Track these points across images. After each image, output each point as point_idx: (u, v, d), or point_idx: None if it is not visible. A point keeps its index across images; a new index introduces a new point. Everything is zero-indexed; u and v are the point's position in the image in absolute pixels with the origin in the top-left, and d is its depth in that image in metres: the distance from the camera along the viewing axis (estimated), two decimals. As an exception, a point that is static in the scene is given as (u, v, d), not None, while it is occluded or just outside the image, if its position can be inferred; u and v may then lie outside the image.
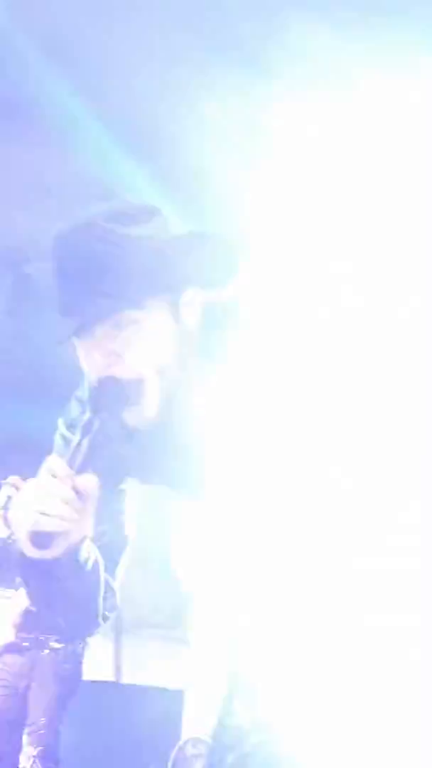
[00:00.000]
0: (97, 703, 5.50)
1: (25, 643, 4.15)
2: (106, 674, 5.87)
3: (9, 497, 4.42)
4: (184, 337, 1.48)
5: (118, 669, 5.94)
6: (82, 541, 1.36)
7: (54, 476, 1.29)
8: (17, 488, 4.42)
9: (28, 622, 4.16)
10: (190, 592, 5.74)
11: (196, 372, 1.50)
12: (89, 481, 1.30)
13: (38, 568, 1.35)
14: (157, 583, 6.06)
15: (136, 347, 1.42)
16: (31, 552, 1.29)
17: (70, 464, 1.31)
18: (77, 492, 1.29)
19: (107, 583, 1.50)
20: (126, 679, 5.89)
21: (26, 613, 4.15)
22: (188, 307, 1.48)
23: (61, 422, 1.60)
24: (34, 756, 3.90)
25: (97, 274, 1.39)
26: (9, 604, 4.28)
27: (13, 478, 4.45)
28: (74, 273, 1.41)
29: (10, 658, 4.15)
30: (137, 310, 1.41)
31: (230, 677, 1.43)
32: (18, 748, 4.02)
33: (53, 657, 4.10)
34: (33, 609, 4.06)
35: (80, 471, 1.30)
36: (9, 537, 4.32)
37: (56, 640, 4.12)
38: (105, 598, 1.50)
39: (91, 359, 1.44)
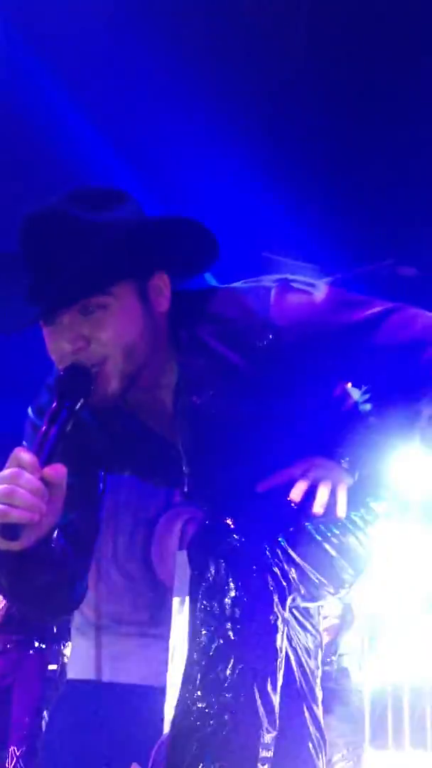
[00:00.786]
0: (78, 702, 5.49)
1: (8, 645, 4.13)
2: (87, 673, 5.86)
3: None
4: (153, 321, 1.49)
5: (98, 668, 5.92)
6: (51, 531, 1.36)
7: (21, 467, 1.28)
8: None
9: (11, 622, 4.14)
10: (169, 590, 5.77)
11: (164, 355, 1.51)
12: (57, 472, 1.30)
13: (7, 559, 1.34)
14: (136, 581, 6.06)
15: (104, 331, 1.42)
16: (0, 544, 1.29)
17: (38, 454, 1.30)
18: (45, 482, 1.28)
19: (78, 571, 1.52)
20: (106, 677, 5.88)
21: (9, 614, 4.14)
22: (156, 291, 1.49)
23: (30, 410, 1.60)
24: (18, 756, 3.89)
25: (62, 260, 1.39)
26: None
27: None
28: (40, 259, 1.41)
29: None
30: (104, 295, 1.42)
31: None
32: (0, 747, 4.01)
33: (38, 657, 4.09)
34: (12, 610, 4.06)
35: (48, 461, 1.30)
36: None
37: (39, 640, 4.11)
38: (76, 586, 1.52)
39: (58, 345, 1.44)
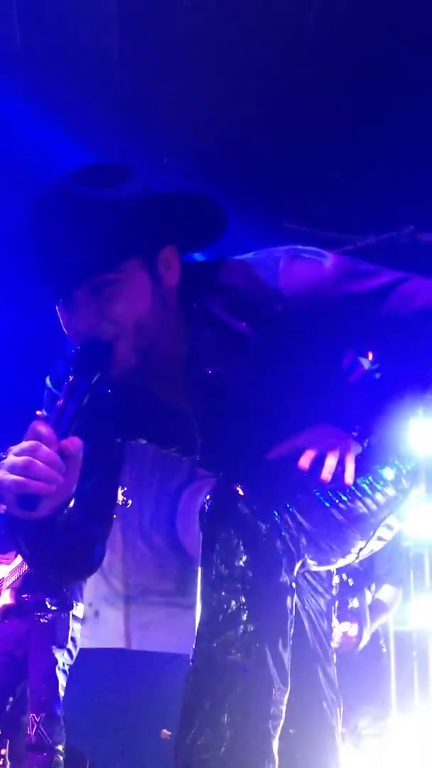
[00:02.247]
0: (107, 670, 5.59)
1: (23, 608, 4.19)
2: (116, 642, 5.95)
3: None
4: (163, 295, 1.51)
5: (127, 637, 6.02)
6: (68, 500, 1.39)
7: (39, 440, 1.31)
8: None
9: (27, 584, 4.22)
10: (194, 560, 5.82)
11: (175, 327, 1.53)
12: (74, 444, 1.34)
13: (27, 528, 1.39)
14: (162, 552, 6.13)
15: (115, 308, 1.44)
16: (20, 514, 1.33)
17: (55, 427, 1.34)
18: (62, 455, 1.32)
19: (96, 536, 1.56)
20: (135, 646, 5.97)
21: (24, 577, 4.21)
22: (165, 266, 1.51)
23: (48, 380, 1.64)
24: (37, 722, 3.97)
25: (71, 239, 1.41)
26: (7, 567, 4.34)
27: None
28: (50, 239, 1.43)
29: (8, 626, 4.22)
30: (114, 272, 1.44)
31: None
32: (17, 715, 4.11)
33: (50, 625, 4.17)
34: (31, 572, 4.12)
35: (65, 434, 1.34)
36: None
37: (51, 602, 4.18)
38: (94, 550, 1.57)
39: (72, 322, 1.47)
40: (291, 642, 1.48)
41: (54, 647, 4.12)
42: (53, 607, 4.18)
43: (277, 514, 1.48)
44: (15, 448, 1.31)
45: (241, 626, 1.43)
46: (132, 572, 6.09)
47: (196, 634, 1.49)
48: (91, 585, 4.59)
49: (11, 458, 1.30)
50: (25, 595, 4.21)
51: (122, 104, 4.15)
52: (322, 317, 1.50)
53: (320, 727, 1.69)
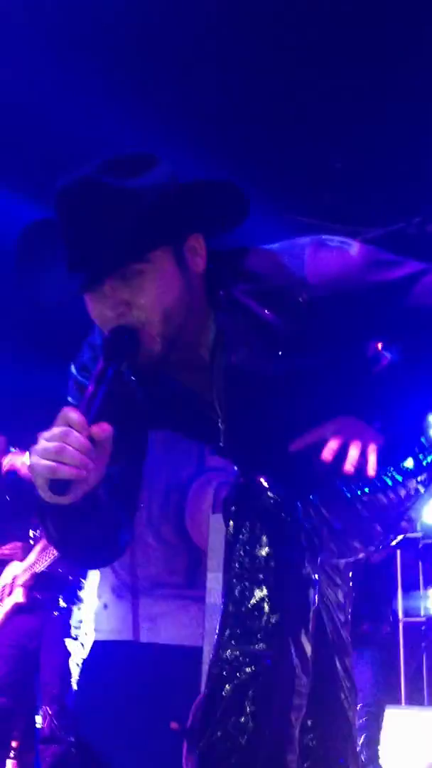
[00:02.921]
0: (117, 662, 5.60)
1: (35, 603, 4.22)
2: (125, 634, 5.96)
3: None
4: (190, 282, 1.51)
5: (135, 629, 6.03)
6: (97, 486, 1.41)
7: (70, 426, 1.32)
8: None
9: (38, 582, 4.24)
10: (203, 553, 5.83)
11: (202, 314, 1.54)
12: (104, 430, 1.35)
13: (56, 512, 1.40)
14: (171, 544, 6.14)
15: (144, 296, 1.45)
16: (50, 498, 1.35)
17: (86, 413, 1.35)
18: (92, 440, 1.34)
19: (122, 521, 1.58)
20: (144, 638, 5.98)
21: (36, 576, 4.23)
22: (192, 253, 1.51)
23: (73, 367, 1.65)
24: (50, 714, 4.00)
25: (98, 229, 1.42)
26: (20, 565, 4.36)
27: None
28: (77, 229, 1.44)
29: (20, 620, 4.24)
30: (142, 261, 1.44)
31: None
32: (30, 707, 4.13)
33: (61, 618, 4.19)
34: (45, 571, 4.16)
35: (95, 420, 1.35)
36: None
37: (63, 597, 4.21)
38: (120, 535, 1.58)
39: (101, 312, 1.48)
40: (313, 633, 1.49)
41: (67, 640, 4.14)
42: (64, 604, 4.21)
43: (300, 506, 1.48)
44: (46, 434, 1.32)
45: (265, 617, 1.43)
46: (140, 564, 6.10)
47: (219, 624, 1.49)
48: (100, 577, 4.60)
49: (43, 443, 1.32)
50: (37, 594, 4.23)
51: (122, 92, 4.15)
52: (346, 306, 1.50)
53: (337, 717, 1.70)
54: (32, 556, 4.32)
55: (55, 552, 4.16)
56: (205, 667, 5.18)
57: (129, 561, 6.10)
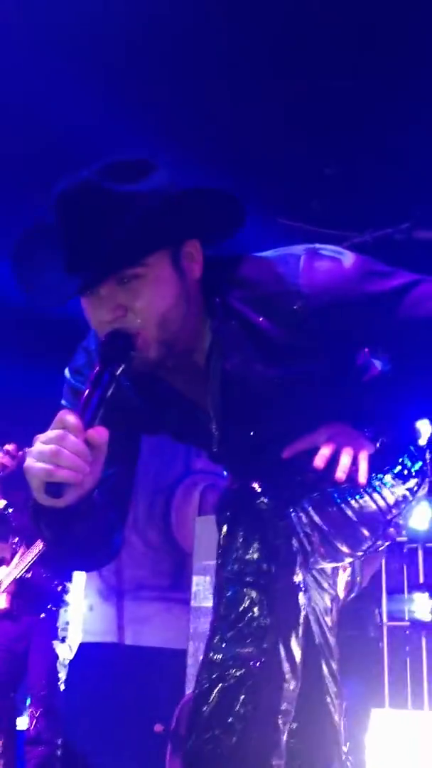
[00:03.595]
0: (101, 665, 5.60)
1: (22, 610, 4.24)
2: (110, 636, 5.96)
3: (3, 465, 4.46)
4: (187, 288, 1.53)
5: (120, 631, 6.03)
6: (93, 489, 1.41)
7: (66, 429, 1.32)
8: (12, 456, 4.47)
9: (21, 588, 4.24)
10: (188, 555, 5.84)
11: (197, 320, 1.55)
12: (100, 434, 1.35)
13: (51, 515, 1.40)
14: (156, 547, 6.14)
15: (140, 301, 1.46)
16: (45, 501, 1.35)
17: (82, 416, 1.35)
18: (88, 444, 1.33)
19: (116, 523, 1.59)
20: (129, 641, 5.98)
21: (20, 581, 4.24)
22: (189, 259, 1.53)
23: (67, 371, 1.65)
24: (36, 717, 4.00)
25: (96, 233, 1.42)
26: (5, 570, 4.36)
27: (9, 446, 4.51)
28: (74, 232, 1.45)
29: (5, 624, 4.24)
30: (139, 266, 1.45)
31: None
32: (17, 710, 4.13)
33: (49, 620, 4.19)
34: (27, 576, 4.16)
35: (91, 423, 1.35)
36: (5, 508, 4.39)
37: (49, 601, 4.21)
38: (114, 537, 1.58)
39: (98, 315, 1.48)
40: (301, 637, 1.49)
41: (54, 642, 4.15)
42: (51, 606, 4.21)
43: (293, 511, 1.49)
44: (42, 437, 1.32)
45: (255, 621, 1.44)
46: (126, 567, 6.10)
47: (210, 627, 1.50)
48: (86, 580, 4.60)
49: (39, 446, 1.32)
50: (22, 599, 4.23)
51: (117, 96, 4.15)
52: (339, 316, 1.51)
53: (323, 721, 1.70)
54: (14, 561, 4.33)
55: (34, 556, 4.17)
56: (190, 670, 5.19)
57: (114, 563, 6.10)
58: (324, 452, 1.51)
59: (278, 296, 1.51)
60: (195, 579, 5.06)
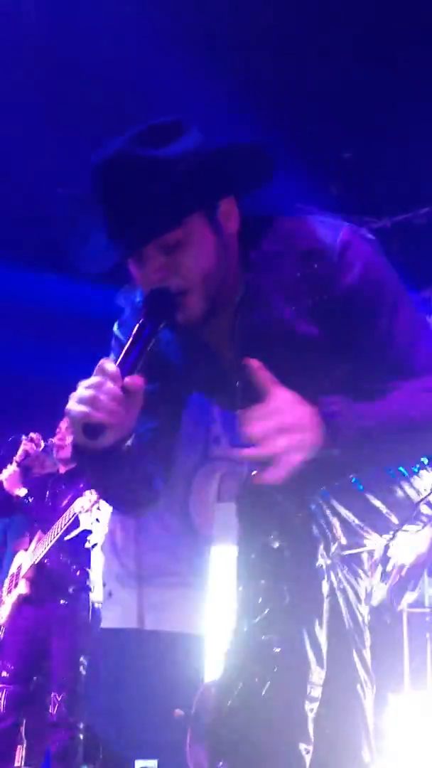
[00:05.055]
0: (121, 650, 5.63)
1: (42, 596, 4.26)
2: (129, 621, 5.99)
3: (27, 452, 4.50)
4: (225, 245, 1.55)
5: (140, 617, 6.06)
6: (128, 435, 1.49)
7: (105, 376, 1.41)
8: (36, 445, 4.50)
9: (41, 574, 4.27)
10: (207, 541, 5.86)
11: (234, 274, 1.58)
12: (135, 382, 1.43)
13: (92, 457, 1.50)
14: (175, 532, 6.16)
15: (182, 262, 1.51)
16: (83, 442, 1.44)
17: (121, 366, 1.43)
18: (125, 391, 1.41)
19: (155, 472, 1.66)
20: (148, 626, 6.01)
21: (38, 567, 4.26)
22: (226, 216, 1.55)
23: (115, 326, 1.72)
24: (59, 701, 4.03)
25: (133, 201, 1.47)
26: (25, 555, 4.39)
27: (33, 435, 4.54)
28: (113, 201, 1.49)
29: (28, 610, 4.27)
30: (178, 229, 1.49)
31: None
32: (42, 695, 4.16)
33: (69, 606, 4.21)
34: (45, 561, 4.19)
35: (129, 373, 1.43)
36: (27, 497, 4.42)
37: (69, 586, 4.23)
38: (153, 484, 1.66)
39: (143, 278, 1.53)
40: (327, 623, 1.49)
41: (75, 628, 4.16)
42: (72, 590, 4.23)
43: (311, 499, 1.49)
44: (84, 382, 1.42)
45: (278, 607, 1.45)
46: (145, 553, 6.13)
47: (233, 614, 1.50)
48: (104, 565, 4.62)
49: (80, 391, 1.41)
50: (41, 585, 4.26)
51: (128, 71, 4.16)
52: (369, 296, 1.52)
53: (353, 708, 1.70)
54: (32, 547, 4.36)
55: (51, 542, 4.20)
56: (208, 656, 5.21)
57: (134, 549, 6.13)
58: (255, 451, 1.36)
59: (313, 256, 1.53)
60: (214, 566, 5.07)
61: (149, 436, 1.63)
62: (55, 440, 4.46)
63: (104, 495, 1.78)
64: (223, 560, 5.36)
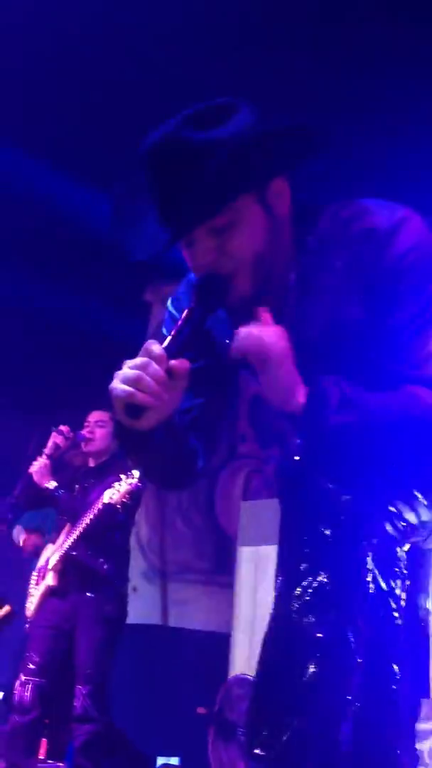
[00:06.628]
0: (145, 646, 5.64)
1: (68, 589, 4.27)
2: (153, 618, 6.00)
3: (57, 444, 4.52)
4: (277, 227, 1.54)
5: (164, 613, 6.06)
6: (171, 415, 1.51)
7: (151, 357, 1.41)
8: (66, 438, 4.51)
9: (67, 566, 4.27)
10: (233, 540, 5.84)
11: (286, 255, 1.57)
12: (181, 365, 1.43)
13: (133, 436, 1.51)
14: (200, 530, 6.16)
15: (233, 245, 1.50)
16: (125, 421, 1.45)
17: (168, 348, 1.43)
18: (170, 373, 1.41)
19: (197, 450, 1.68)
20: (172, 623, 6.02)
21: (65, 559, 4.26)
22: (277, 197, 1.54)
23: (169, 302, 1.73)
24: (84, 694, 4.03)
25: (183, 184, 1.46)
26: (52, 548, 4.40)
27: (63, 427, 4.55)
28: (163, 186, 1.49)
29: (54, 602, 4.27)
30: (229, 211, 1.48)
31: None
32: (68, 688, 4.16)
33: (96, 599, 4.21)
34: (72, 554, 4.18)
35: (175, 355, 1.43)
36: (56, 489, 4.43)
37: (96, 579, 4.23)
38: (195, 463, 1.69)
39: (194, 261, 1.53)
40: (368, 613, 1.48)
41: (101, 622, 4.16)
42: (98, 583, 4.23)
43: (359, 486, 1.47)
44: (129, 362, 1.42)
45: (321, 593, 1.44)
46: (170, 549, 6.13)
47: (273, 601, 1.50)
48: (130, 561, 4.62)
49: (125, 371, 1.41)
50: (68, 577, 4.27)
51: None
52: (419, 280, 1.49)
53: (389, 703, 1.68)
54: (60, 539, 4.36)
55: (78, 534, 4.20)
56: (234, 652, 5.19)
57: (159, 545, 6.13)
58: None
59: (367, 240, 1.50)
60: (239, 564, 5.05)
61: (195, 412, 1.65)
62: (84, 433, 4.47)
63: (145, 471, 1.79)
64: (248, 558, 5.35)
